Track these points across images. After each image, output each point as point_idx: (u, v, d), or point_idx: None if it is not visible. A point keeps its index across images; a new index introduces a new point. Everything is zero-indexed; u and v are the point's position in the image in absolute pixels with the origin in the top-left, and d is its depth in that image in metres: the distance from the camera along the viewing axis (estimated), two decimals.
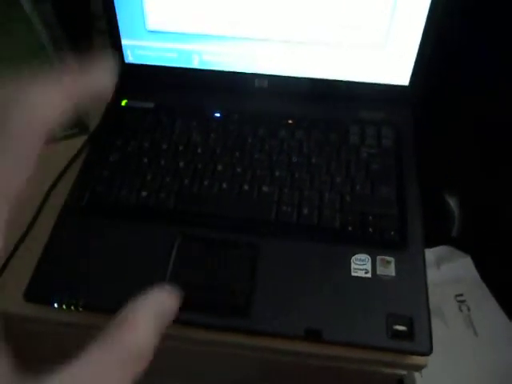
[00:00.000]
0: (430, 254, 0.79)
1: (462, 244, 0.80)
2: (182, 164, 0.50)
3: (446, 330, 0.72)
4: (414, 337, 0.40)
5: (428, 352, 0.40)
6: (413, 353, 0.41)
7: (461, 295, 0.74)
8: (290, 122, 0.54)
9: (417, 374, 0.68)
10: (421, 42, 0.50)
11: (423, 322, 0.41)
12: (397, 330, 0.40)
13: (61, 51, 0.52)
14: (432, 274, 0.76)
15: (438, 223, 0.83)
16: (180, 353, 0.51)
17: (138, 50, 0.55)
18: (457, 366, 0.69)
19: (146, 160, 0.51)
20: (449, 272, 0.76)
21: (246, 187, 0.48)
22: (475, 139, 0.74)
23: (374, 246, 0.45)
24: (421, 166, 0.51)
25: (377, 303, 0.42)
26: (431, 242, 0.81)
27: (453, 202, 0.82)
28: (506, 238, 0.76)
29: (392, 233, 0.46)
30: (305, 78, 0.54)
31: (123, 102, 0.56)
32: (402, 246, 0.45)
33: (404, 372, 0.46)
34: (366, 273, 0.43)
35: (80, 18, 0.64)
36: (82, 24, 0.64)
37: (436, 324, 0.72)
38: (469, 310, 0.73)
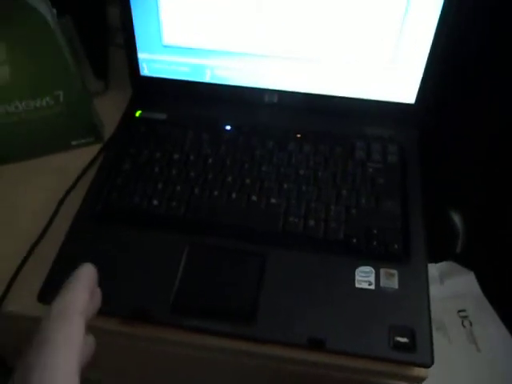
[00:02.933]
0: (434, 269, 0.79)
1: (465, 260, 0.81)
2: (192, 174, 0.52)
3: (448, 345, 0.72)
4: (415, 348, 0.41)
5: (429, 364, 0.41)
6: (414, 364, 0.42)
7: (463, 311, 0.75)
8: (299, 135, 0.55)
9: None
10: (427, 61, 0.51)
11: (425, 334, 0.42)
12: (399, 342, 0.41)
13: (80, 64, 0.54)
14: (435, 290, 0.77)
15: (443, 239, 0.83)
16: (183, 359, 0.52)
17: (154, 63, 0.57)
18: (459, 381, 0.69)
19: (157, 169, 0.52)
20: (452, 287, 0.77)
21: (254, 198, 0.50)
22: (480, 157, 0.75)
23: (378, 259, 0.46)
24: (426, 183, 0.52)
25: (380, 315, 0.43)
26: (435, 258, 0.81)
27: (457, 219, 0.83)
28: (509, 255, 0.76)
29: (396, 246, 0.47)
30: (313, 95, 0.56)
31: (137, 113, 0.58)
32: (406, 259, 0.46)
33: None
34: (369, 285, 0.44)
35: (97, 31, 0.66)
36: (99, 37, 0.66)
37: (439, 339, 0.73)
38: (471, 325, 0.74)
